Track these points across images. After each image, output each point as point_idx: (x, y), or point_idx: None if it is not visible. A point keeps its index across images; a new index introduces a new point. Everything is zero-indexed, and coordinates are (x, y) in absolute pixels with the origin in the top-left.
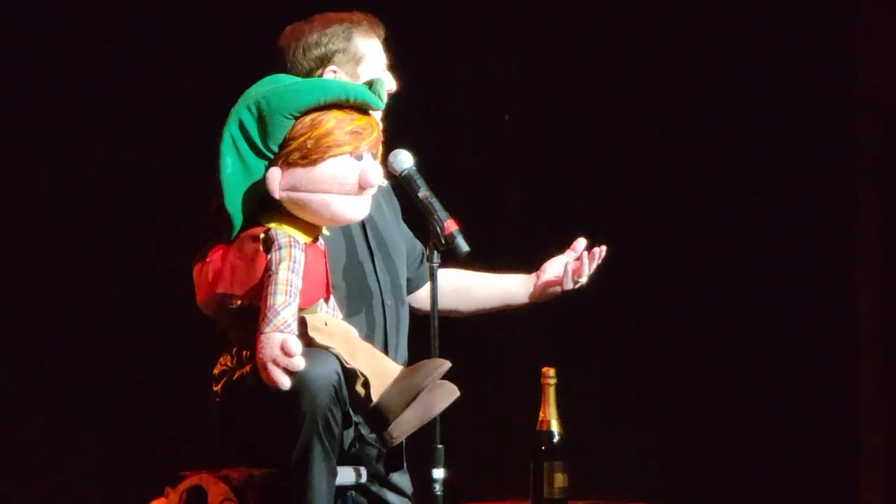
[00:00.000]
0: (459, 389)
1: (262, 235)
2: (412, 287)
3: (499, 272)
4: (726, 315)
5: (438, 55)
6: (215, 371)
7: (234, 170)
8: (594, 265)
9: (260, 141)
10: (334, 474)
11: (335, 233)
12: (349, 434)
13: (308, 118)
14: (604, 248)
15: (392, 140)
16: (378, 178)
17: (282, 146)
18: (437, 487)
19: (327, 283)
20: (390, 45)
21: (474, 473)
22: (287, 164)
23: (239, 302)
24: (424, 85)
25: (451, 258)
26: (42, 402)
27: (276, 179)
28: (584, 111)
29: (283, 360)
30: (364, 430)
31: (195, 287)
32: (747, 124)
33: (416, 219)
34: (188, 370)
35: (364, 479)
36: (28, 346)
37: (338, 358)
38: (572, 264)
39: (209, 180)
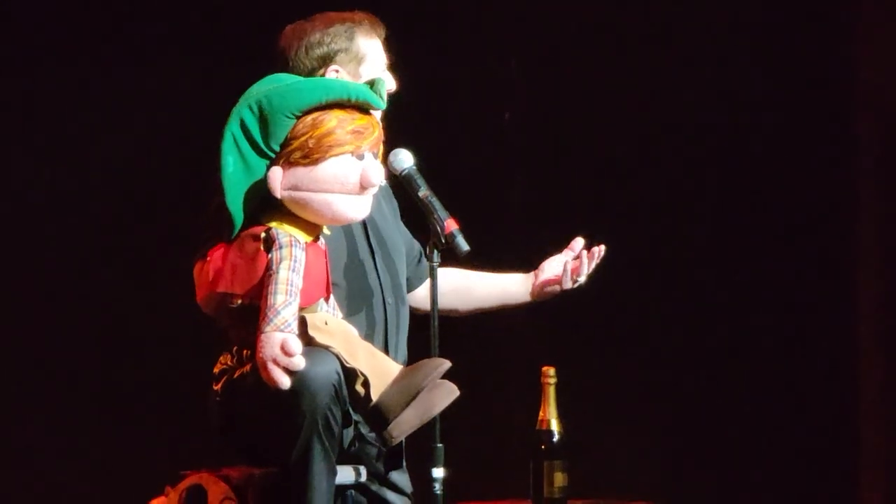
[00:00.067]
0: (459, 389)
1: (262, 234)
2: (410, 286)
3: (499, 272)
4: (727, 315)
5: (439, 55)
6: (215, 370)
7: (236, 169)
8: (593, 264)
9: (261, 140)
10: (334, 473)
11: (336, 232)
12: (349, 433)
13: (310, 117)
14: (603, 247)
15: (393, 140)
16: (379, 178)
17: (283, 145)
18: (437, 487)
19: (328, 283)
20: (391, 45)
21: (474, 473)
22: (288, 164)
23: (239, 301)
24: (425, 84)
25: (452, 257)
26: (42, 402)
27: (278, 179)
28: (585, 111)
29: (284, 360)
30: (364, 430)
31: (195, 286)
32: (748, 124)
33: (417, 218)
34: (188, 370)
35: (364, 478)
36: (28, 346)
37: (338, 357)
38: (571, 263)
39: (210, 179)
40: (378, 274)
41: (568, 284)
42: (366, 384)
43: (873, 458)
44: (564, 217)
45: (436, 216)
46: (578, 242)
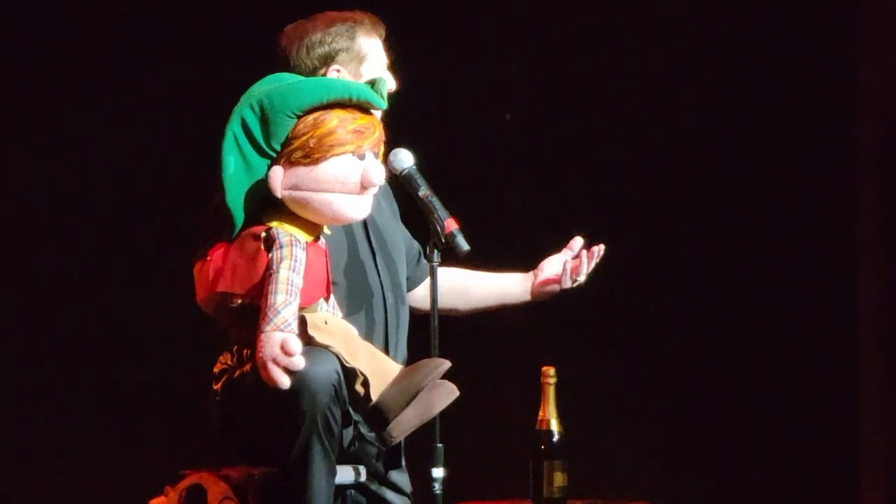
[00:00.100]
0: (459, 388)
1: (263, 234)
2: (409, 286)
3: (499, 272)
4: (727, 315)
5: (440, 56)
6: (215, 369)
7: (237, 168)
8: (593, 264)
9: (262, 140)
10: (334, 473)
11: (336, 231)
12: (349, 433)
13: (311, 117)
14: (602, 246)
15: (393, 140)
16: (380, 178)
17: (284, 145)
18: (437, 486)
19: (328, 283)
20: (391, 45)
21: (474, 473)
22: (289, 163)
23: (239, 301)
24: (426, 85)
25: (452, 257)
26: (42, 402)
27: (279, 178)
28: (586, 112)
29: (283, 360)
30: (363, 429)
31: (195, 286)
32: (749, 126)
33: (417, 218)
34: (188, 369)
35: (363, 477)
36: (28, 346)
37: (338, 357)
38: (571, 263)
39: (210, 179)
40: (378, 273)
41: (567, 284)
42: (366, 384)
43: (873, 458)
44: (564, 218)
45: (436, 216)
46: (577, 242)
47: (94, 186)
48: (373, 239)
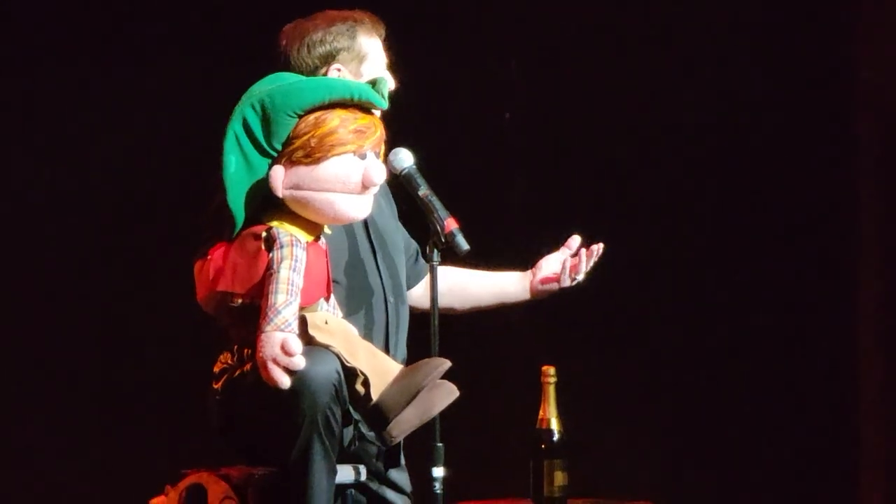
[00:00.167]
0: (459, 388)
1: (263, 234)
2: (407, 285)
3: (498, 271)
4: (727, 314)
5: (439, 55)
6: (216, 369)
7: (238, 168)
8: (592, 262)
9: (263, 139)
10: (334, 473)
11: (337, 231)
12: (349, 432)
13: (312, 117)
14: (601, 245)
15: (393, 139)
16: (381, 177)
17: (285, 144)
18: (437, 486)
19: (328, 282)
20: (391, 45)
21: (474, 472)
22: (290, 163)
23: (240, 300)
24: (425, 85)
25: (451, 257)
26: (42, 402)
27: (280, 178)
28: (586, 111)
29: (284, 360)
30: (364, 429)
31: (196, 285)
32: (748, 124)
33: (416, 217)
34: (188, 369)
35: (363, 477)
36: (28, 346)
37: (338, 356)
38: (570, 261)
39: (211, 178)
40: (379, 273)
41: (567, 282)
42: (366, 383)
43: (873, 458)
44: (564, 217)
45: (436, 215)
46: (575, 240)
47: (94, 186)
48: (373, 238)
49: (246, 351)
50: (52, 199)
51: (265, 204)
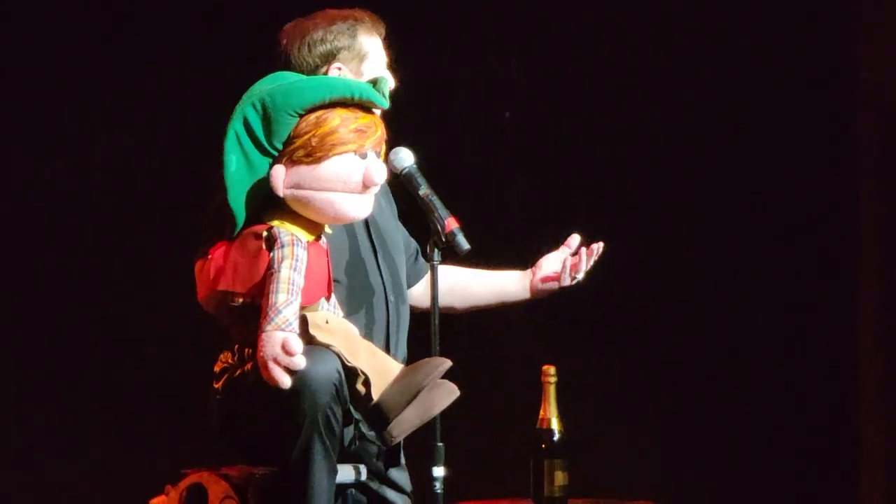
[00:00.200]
0: (459, 387)
1: (264, 233)
2: (406, 284)
3: (499, 270)
4: (727, 314)
5: (439, 54)
6: (216, 368)
7: (239, 167)
8: (592, 261)
9: (264, 138)
10: (335, 472)
11: (338, 230)
12: (349, 432)
13: (313, 116)
14: (601, 244)
15: (393, 139)
16: (382, 177)
17: (286, 144)
18: (438, 485)
19: (329, 282)
20: (391, 44)
21: (474, 472)
22: (291, 162)
23: (241, 300)
24: (425, 84)
25: (452, 256)
26: (42, 402)
27: (280, 177)
28: (586, 110)
29: (284, 359)
30: (364, 428)
31: (196, 284)
32: (748, 124)
33: (417, 217)
34: (188, 368)
35: (364, 476)
36: (28, 346)
37: (339, 356)
38: (570, 260)
39: (211, 178)
40: (380, 272)
41: (567, 281)
42: (366, 383)
43: (873, 458)
44: (564, 217)
45: (436, 215)
46: (574, 239)
47: (94, 186)
48: (374, 238)
49: (247, 350)
50: (52, 199)
51: (266, 203)
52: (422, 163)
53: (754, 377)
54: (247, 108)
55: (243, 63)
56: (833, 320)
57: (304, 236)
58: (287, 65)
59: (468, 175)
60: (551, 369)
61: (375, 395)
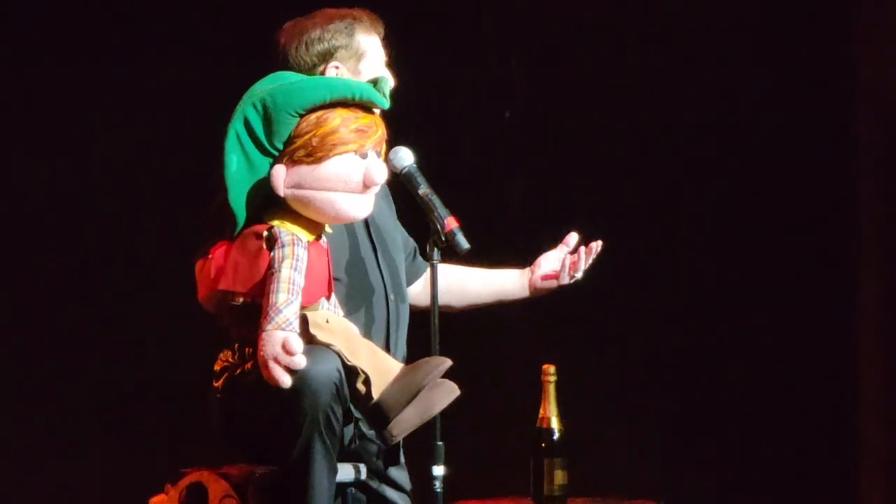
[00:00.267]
0: (459, 386)
1: (265, 233)
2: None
3: (498, 269)
4: (727, 314)
5: (439, 54)
6: (216, 367)
7: (239, 167)
8: (590, 260)
9: (265, 138)
10: (335, 471)
11: (338, 229)
12: (349, 431)
13: (313, 116)
14: (600, 242)
15: (393, 138)
16: (382, 177)
17: (287, 144)
18: (438, 484)
19: (329, 281)
20: (391, 43)
21: (474, 471)
22: (292, 162)
23: (241, 299)
24: (425, 84)
25: (452, 255)
26: (42, 402)
27: (281, 177)
28: (586, 110)
29: (285, 359)
30: (364, 427)
31: (197, 284)
32: (748, 124)
33: (416, 216)
34: (188, 368)
35: (364, 475)
36: (28, 346)
37: (339, 355)
38: (570, 258)
39: (211, 177)
40: (380, 271)
41: (566, 280)
42: (367, 382)
43: (873, 458)
44: (564, 216)
45: (436, 214)
46: (573, 237)
47: (94, 186)
48: (374, 237)
49: (247, 349)
50: (52, 199)
51: (266, 203)
52: (422, 162)
53: (754, 377)
54: (247, 108)
55: (243, 63)
56: (833, 320)
57: (305, 236)
58: (285, 64)
59: (468, 174)
60: (551, 368)
61: (376, 395)
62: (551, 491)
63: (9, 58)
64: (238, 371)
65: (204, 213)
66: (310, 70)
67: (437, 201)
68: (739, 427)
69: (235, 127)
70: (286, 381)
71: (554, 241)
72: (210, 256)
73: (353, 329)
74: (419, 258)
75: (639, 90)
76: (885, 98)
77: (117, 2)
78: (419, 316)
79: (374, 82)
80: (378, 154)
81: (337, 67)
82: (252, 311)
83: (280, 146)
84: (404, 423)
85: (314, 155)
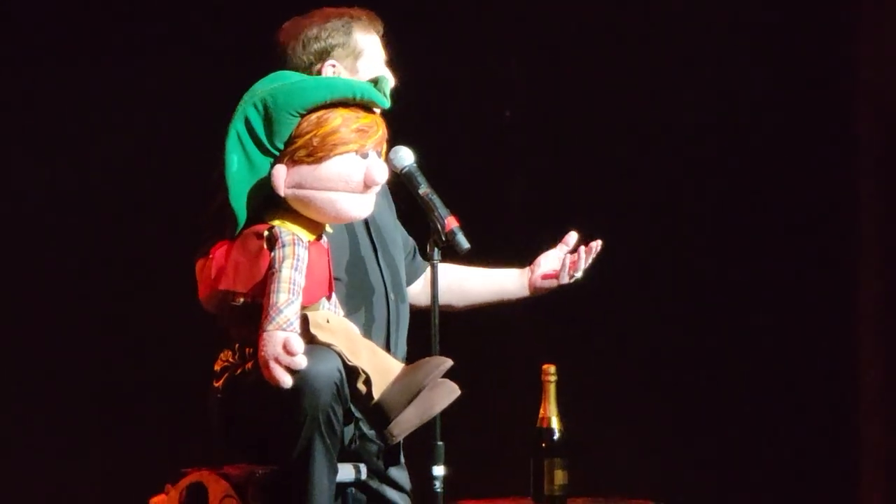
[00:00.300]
0: (459, 386)
1: (266, 233)
2: None
3: (497, 269)
4: (727, 314)
5: (439, 54)
6: (216, 367)
7: (240, 167)
8: (590, 259)
9: (266, 138)
10: (335, 471)
11: (338, 229)
12: (350, 431)
13: (314, 116)
14: (599, 242)
15: (393, 138)
16: (383, 176)
17: (287, 144)
18: (438, 484)
19: (330, 281)
20: (390, 42)
21: (475, 471)
22: (293, 162)
23: (242, 299)
24: (425, 83)
25: (452, 255)
26: (42, 402)
27: (282, 177)
28: (586, 110)
29: (286, 359)
30: (364, 427)
31: (198, 283)
32: (748, 124)
33: (417, 215)
34: (188, 368)
35: (364, 475)
36: (28, 346)
37: (340, 355)
38: (570, 258)
39: (212, 177)
40: (381, 270)
41: (566, 279)
42: (367, 382)
43: (873, 458)
44: (564, 216)
45: (436, 214)
46: (572, 236)
47: (94, 186)
48: (374, 237)
49: (247, 349)
50: (52, 199)
51: (267, 203)
52: (422, 162)
53: (754, 377)
54: (248, 108)
55: (243, 63)
56: (833, 320)
57: (306, 236)
58: (284, 63)
59: (468, 174)
60: (551, 368)
61: (376, 395)
62: (551, 491)
63: (9, 58)
64: (238, 371)
65: (204, 212)
66: (307, 69)
67: (437, 201)
68: (739, 427)
69: (236, 127)
70: (287, 381)
71: (554, 241)
72: (211, 256)
73: (354, 329)
74: (419, 257)
75: (639, 90)
76: (885, 98)
77: (117, 2)
78: (419, 315)
79: (375, 82)
80: (379, 154)
81: (334, 66)
82: (252, 311)
83: (281, 146)
84: (405, 423)
85: (315, 155)
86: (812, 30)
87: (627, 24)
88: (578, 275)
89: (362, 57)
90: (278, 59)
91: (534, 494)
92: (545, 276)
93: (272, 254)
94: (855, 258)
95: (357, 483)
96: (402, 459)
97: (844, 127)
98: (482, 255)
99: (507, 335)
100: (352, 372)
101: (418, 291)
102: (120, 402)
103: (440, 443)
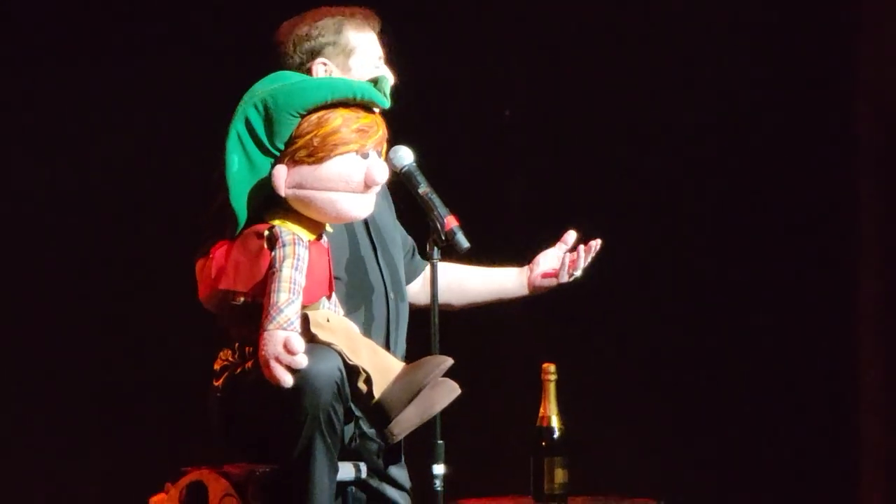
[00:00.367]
0: (460, 385)
1: (266, 232)
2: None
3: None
4: (727, 313)
5: (439, 53)
6: (216, 366)
7: (240, 167)
8: (590, 258)
9: (266, 138)
10: (336, 470)
11: (338, 228)
12: (350, 429)
13: (314, 116)
14: (599, 241)
15: (393, 138)
16: (383, 176)
17: (288, 144)
18: (438, 483)
19: (330, 281)
20: (390, 41)
21: (475, 469)
22: (293, 162)
23: (242, 299)
24: (425, 83)
25: (452, 254)
26: (42, 402)
27: (282, 177)
28: (586, 109)
29: (286, 358)
30: (365, 426)
31: (198, 283)
32: (748, 123)
33: (416, 215)
34: (188, 368)
35: (364, 474)
36: (28, 346)
37: (340, 354)
38: (569, 256)
39: (212, 177)
40: (380, 269)
41: (565, 278)
42: (368, 381)
43: (873, 458)
44: (564, 216)
45: (436, 213)
46: (571, 235)
47: (94, 186)
48: (374, 236)
49: (247, 349)
50: (52, 199)
51: (267, 203)
52: (421, 162)
53: (754, 377)
54: (248, 109)
55: (243, 63)
56: (833, 320)
57: (306, 235)
58: (279, 63)
59: (468, 174)
60: (551, 367)
61: (377, 394)
62: (551, 490)
63: (9, 58)
64: (238, 370)
65: (204, 212)
66: (299, 67)
67: (436, 200)
68: (739, 427)
69: (237, 127)
70: (287, 380)
71: (554, 240)
72: (211, 256)
73: (354, 328)
74: (417, 257)
75: (639, 90)
76: (885, 98)
77: (117, 2)
78: (419, 314)
79: (375, 82)
80: (379, 154)
81: (325, 64)
82: (253, 310)
83: (281, 146)
84: (405, 422)
85: (315, 155)
86: (812, 30)
87: (627, 24)
88: (578, 273)
89: (354, 55)
90: (273, 59)
91: (534, 493)
92: (544, 275)
93: (272, 253)
94: (855, 258)
95: (357, 482)
96: (403, 458)
97: (844, 127)
98: (482, 254)
99: (507, 334)
100: (352, 371)
101: (417, 290)
102: (120, 401)
103: (440, 441)
